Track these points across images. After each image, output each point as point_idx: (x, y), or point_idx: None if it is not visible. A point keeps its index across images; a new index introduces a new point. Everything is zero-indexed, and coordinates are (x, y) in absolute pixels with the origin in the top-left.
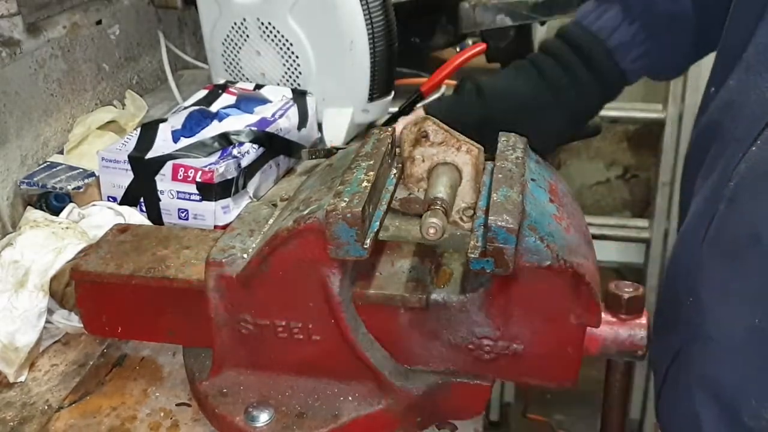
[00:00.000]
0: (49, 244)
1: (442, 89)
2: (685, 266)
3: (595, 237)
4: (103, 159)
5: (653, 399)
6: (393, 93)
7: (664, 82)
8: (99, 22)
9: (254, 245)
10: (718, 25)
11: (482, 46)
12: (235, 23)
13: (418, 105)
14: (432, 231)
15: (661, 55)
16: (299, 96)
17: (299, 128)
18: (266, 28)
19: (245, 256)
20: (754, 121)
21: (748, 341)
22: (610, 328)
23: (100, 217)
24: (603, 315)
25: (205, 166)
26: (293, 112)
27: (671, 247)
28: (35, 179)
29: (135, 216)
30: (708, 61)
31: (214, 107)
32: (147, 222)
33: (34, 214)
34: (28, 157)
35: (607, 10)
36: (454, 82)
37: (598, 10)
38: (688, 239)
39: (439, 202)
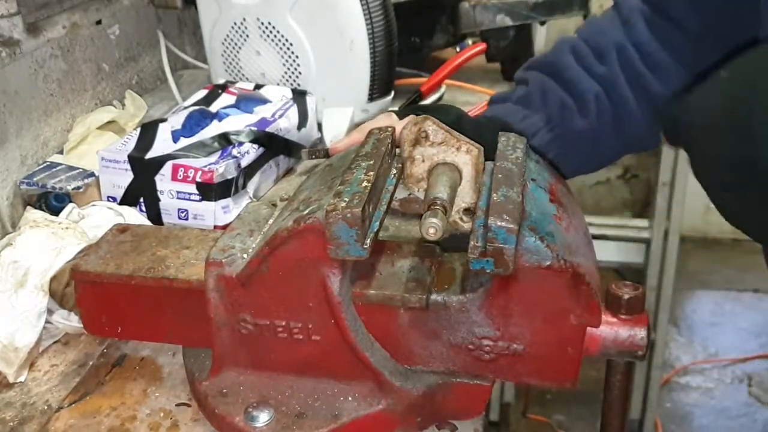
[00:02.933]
0: (48, 244)
1: (442, 89)
2: None
3: (595, 237)
4: (102, 159)
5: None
6: (393, 93)
7: None
8: (99, 22)
9: (254, 245)
10: (613, 142)
11: (482, 46)
12: (235, 23)
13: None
14: (432, 231)
15: (562, 167)
16: (299, 96)
17: (299, 128)
18: (266, 28)
19: (245, 256)
20: None
21: None
22: (610, 328)
23: (100, 217)
24: (603, 315)
25: (205, 166)
26: (293, 112)
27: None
28: (35, 179)
29: (135, 216)
30: None
31: (213, 107)
32: (147, 222)
33: (33, 214)
34: (27, 157)
35: (530, 116)
36: (453, 82)
37: (522, 113)
38: None
39: (439, 202)
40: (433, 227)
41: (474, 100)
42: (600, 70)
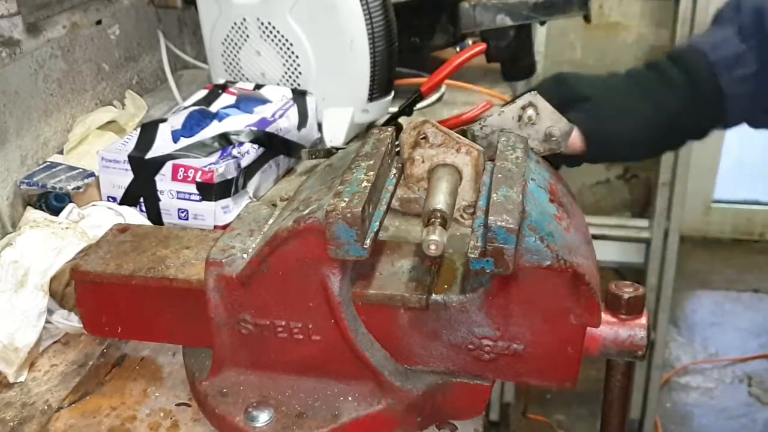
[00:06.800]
0: (49, 244)
1: (442, 89)
2: None
3: (595, 237)
4: (103, 159)
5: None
6: (393, 93)
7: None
8: (99, 22)
9: (254, 245)
10: None
11: (482, 46)
12: (235, 23)
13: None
14: (433, 248)
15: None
16: (299, 96)
17: (299, 128)
18: (266, 28)
19: (245, 256)
20: None
21: None
22: (610, 328)
23: (100, 217)
24: (603, 315)
25: (205, 166)
26: (293, 112)
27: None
28: (35, 179)
29: (135, 216)
30: None
31: (214, 107)
32: (147, 222)
33: (34, 214)
34: (28, 157)
35: (718, 31)
36: (453, 82)
37: (710, 31)
38: None
39: (438, 214)
40: (434, 244)
41: (474, 100)
42: None
